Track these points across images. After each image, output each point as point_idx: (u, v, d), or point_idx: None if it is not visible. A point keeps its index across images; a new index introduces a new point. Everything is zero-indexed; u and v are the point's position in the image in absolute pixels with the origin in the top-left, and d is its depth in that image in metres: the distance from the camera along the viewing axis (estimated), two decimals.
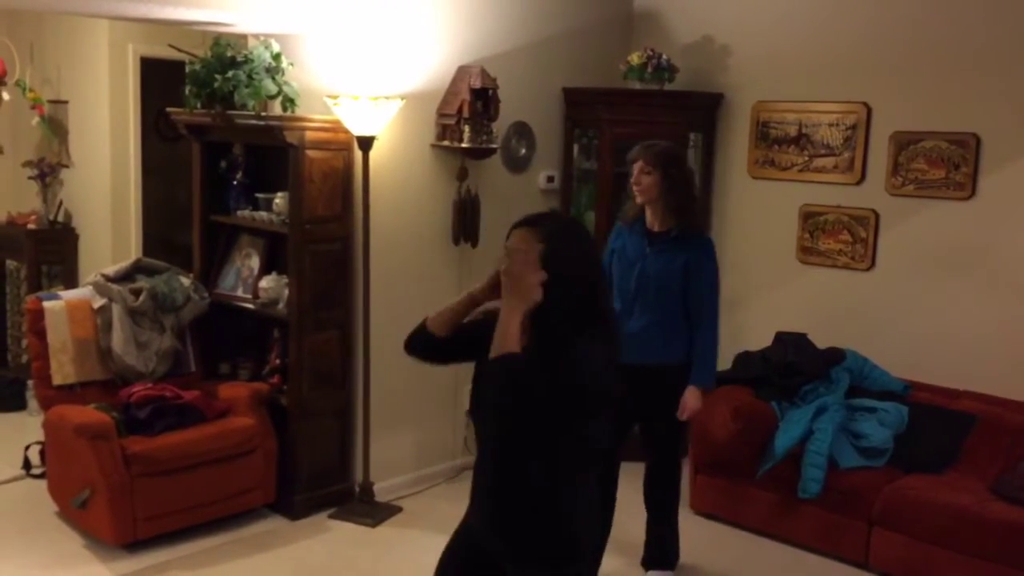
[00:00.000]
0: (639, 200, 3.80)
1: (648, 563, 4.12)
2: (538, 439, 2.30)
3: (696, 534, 4.61)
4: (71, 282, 6.14)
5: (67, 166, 6.43)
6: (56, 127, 6.39)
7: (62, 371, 4.44)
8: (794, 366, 4.77)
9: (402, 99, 4.46)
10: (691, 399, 3.80)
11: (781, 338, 4.97)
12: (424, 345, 2.52)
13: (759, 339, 5.07)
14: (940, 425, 4.51)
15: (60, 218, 6.44)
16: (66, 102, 6.37)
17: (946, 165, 4.72)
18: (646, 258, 3.80)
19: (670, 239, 3.77)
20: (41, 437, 4.60)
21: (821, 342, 4.93)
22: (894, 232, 4.94)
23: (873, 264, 5.02)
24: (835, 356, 4.86)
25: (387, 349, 4.70)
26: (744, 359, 4.97)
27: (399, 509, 4.70)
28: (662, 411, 3.84)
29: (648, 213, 3.83)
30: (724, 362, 5.11)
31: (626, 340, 3.64)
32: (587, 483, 2.42)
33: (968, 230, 4.70)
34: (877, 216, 4.97)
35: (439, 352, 2.54)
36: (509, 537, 2.38)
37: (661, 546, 4.10)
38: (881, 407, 4.59)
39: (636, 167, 3.77)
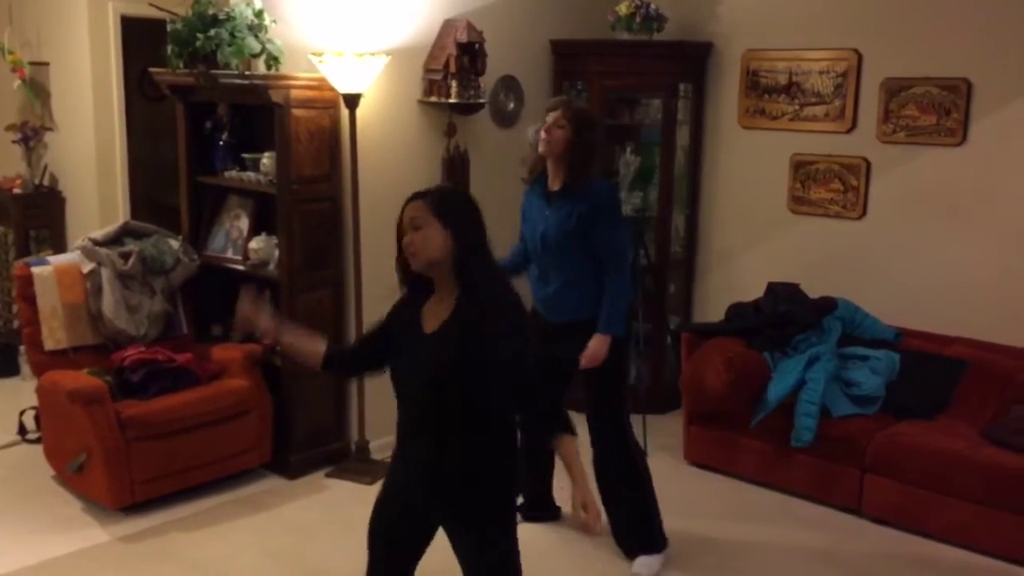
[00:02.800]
0: (542, 150, 3.63)
1: (630, 548, 3.86)
2: (474, 404, 2.44)
3: (690, 484, 4.66)
4: (59, 246, 6.11)
5: (50, 129, 6.36)
6: (38, 89, 6.31)
7: (53, 336, 4.42)
8: (786, 316, 4.79)
9: (388, 55, 4.40)
10: (593, 345, 3.60)
11: (773, 288, 4.98)
12: (337, 369, 2.79)
13: (751, 290, 5.08)
14: (931, 371, 4.53)
15: (45, 182, 6.38)
16: (47, 64, 6.28)
17: (937, 111, 4.69)
18: (546, 219, 3.67)
19: (563, 194, 3.64)
20: (35, 402, 4.59)
21: (813, 292, 4.94)
22: (885, 180, 4.93)
23: (864, 212, 5.01)
24: (827, 305, 4.87)
25: (379, 307, 4.66)
26: (736, 310, 4.98)
27: None
28: (592, 369, 3.67)
29: (549, 170, 3.70)
30: (717, 313, 5.14)
31: (545, 303, 3.73)
32: (514, 438, 2.58)
33: (959, 176, 4.68)
34: (868, 164, 4.95)
35: (355, 365, 2.79)
36: (449, 498, 2.51)
37: (639, 528, 3.85)
38: (873, 355, 4.61)
39: (551, 116, 3.60)
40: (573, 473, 2.44)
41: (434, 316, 2.51)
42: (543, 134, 3.62)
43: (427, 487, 2.53)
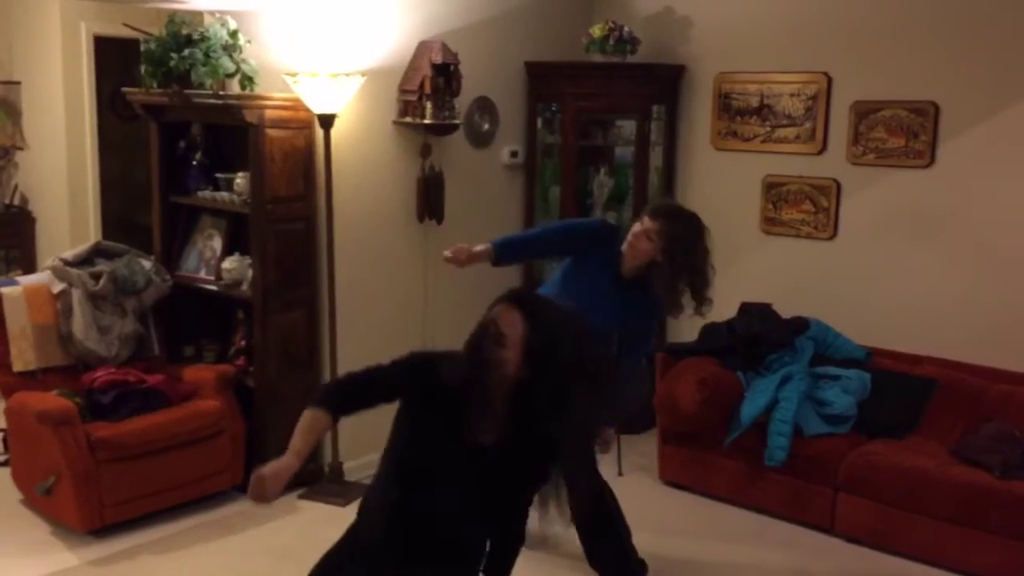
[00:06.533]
0: (626, 252, 3.37)
1: None
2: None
3: (664, 504, 4.67)
4: (29, 267, 6.06)
5: (21, 148, 6.32)
6: (9, 109, 6.27)
7: (23, 357, 4.37)
8: (759, 336, 4.82)
9: (363, 76, 4.41)
10: (606, 436, 3.54)
11: (746, 308, 5.01)
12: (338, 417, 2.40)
13: (724, 310, 5.08)
14: (902, 391, 4.57)
15: (16, 202, 6.33)
16: (18, 83, 6.25)
17: (905, 134, 4.76)
18: (606, 295, 3.40)
19: (633, 289, 3.43)
20: (3, 424, 4.54)
21: (785, 311, 4.97)
22: (855, 201, 4.98)
23: (835, 233, 5.06)
24: (799, 325, 4.91)
25: (353, 328, 4.68)
26: (710, 330, 5.00)
27: None
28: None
29: (624, 266, 3.45)
30: (691, 333, 5.17)
31: None
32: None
33: (927, 198, 4.75)
34: (838, 185, 5.01)
35: (351, 409, 2.41)
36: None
37: (616, 563, 3.82)
38: (844, 374, 4.64)
39: (647, 221, 3.31)
40: None
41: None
42: (630, 236, 3.36)
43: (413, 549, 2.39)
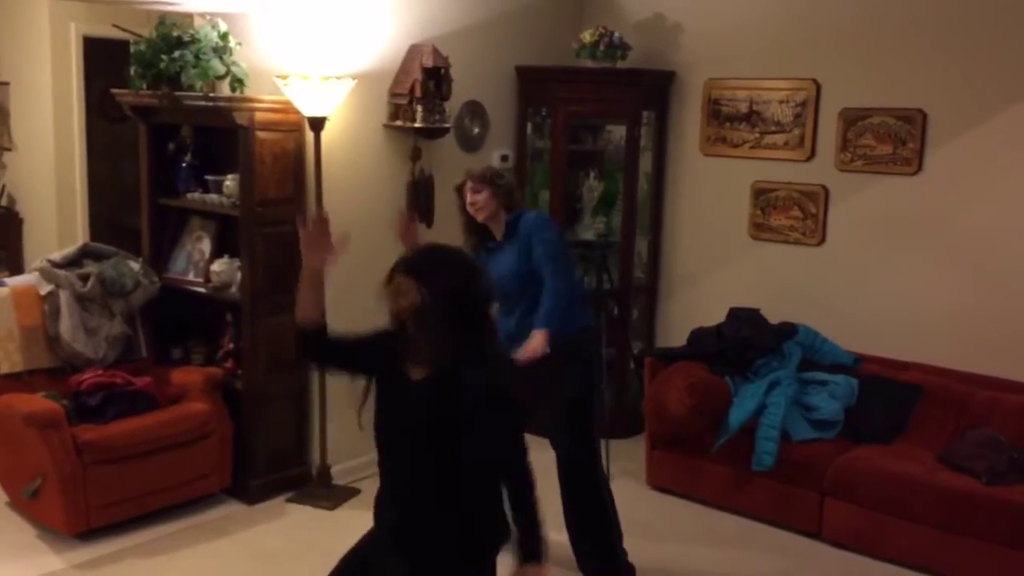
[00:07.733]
0: (481, 219, 3.80)
1: None
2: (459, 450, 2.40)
3: (653, 509, 4.68)
4: (16, 268, 6.02)
5: (9, 149, 6.29)
6: None
7: (9, 359, 4.35)
8: (747, 341, 4.83)
9: (354, 79, 4.41)
10: (533, 339, 3.59)
11: (734, 314, 5.03)
12: (315, 345, 2.72)
13: (713, 315, 5.12)
14: (889, 396, 4.59)
15: (3, 202, 6.30)
16: (7, 83, 6.23)
17: (893, 141, 4.78)
18: (501, 264, 3.79)
19: (507, 237, 3.79)
20: None
21: (773, 317, 4.99)
22: (843, 207, 5.01)
23: (823, 239, 5.08)
24: (787, 331, 4.93)
25: (342, 330, 4.67)
26: (698, 335, 5.02)
27: (357, 491, 4.69)
28: (557, 386, 3.73)
29: (492, 229, 3.85)
30: (679, 338, 5.18)
31: (510, 337, 3.74)
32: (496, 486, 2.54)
33: (915, 205, 4.78)
34: (827, 192, 5.03)
35: (331, 353, 2.76)
36: (423, 553, 2.45)
37: (605, 563, 3.86)
38: (832, 380, 4.66)
39: (468, 192, 3.81)
40: None
41: (419, 365, 2.47)
42: (470, 208, 3.82)
43: (399, 545, 2.48)
